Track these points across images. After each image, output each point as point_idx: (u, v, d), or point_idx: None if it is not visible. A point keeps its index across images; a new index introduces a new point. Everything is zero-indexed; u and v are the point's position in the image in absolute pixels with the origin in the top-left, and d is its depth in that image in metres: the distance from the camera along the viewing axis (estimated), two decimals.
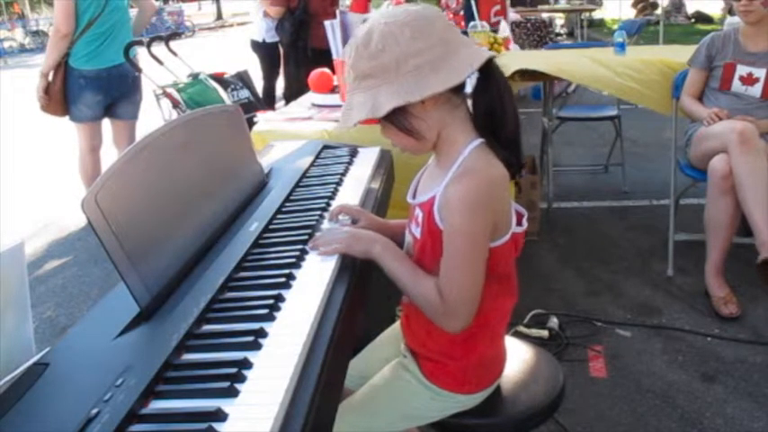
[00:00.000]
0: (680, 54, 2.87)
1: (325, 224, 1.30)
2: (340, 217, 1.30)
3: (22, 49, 21.98)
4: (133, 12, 3.75)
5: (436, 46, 1.01)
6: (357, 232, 1.17)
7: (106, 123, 3.63)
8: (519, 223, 1.13)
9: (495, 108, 1.06)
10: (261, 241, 1.23)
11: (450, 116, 1.07)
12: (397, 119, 1.04)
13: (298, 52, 4.36)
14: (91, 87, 3.34)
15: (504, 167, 1.05)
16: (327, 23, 2.35)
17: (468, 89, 1.08)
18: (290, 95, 4.17)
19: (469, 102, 1.10)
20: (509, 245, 1.10)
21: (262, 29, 5.32)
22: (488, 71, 1.05)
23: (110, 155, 3.70)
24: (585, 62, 2.93)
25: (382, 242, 1.13)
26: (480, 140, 1.06)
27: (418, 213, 1.12)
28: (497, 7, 4.51)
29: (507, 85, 1.07)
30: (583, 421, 1.90)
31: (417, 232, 1.12)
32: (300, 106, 2.60)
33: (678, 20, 12.35)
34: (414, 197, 1.17)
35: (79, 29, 3.24)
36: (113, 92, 3.41)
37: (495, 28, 3.84)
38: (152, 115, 4.58)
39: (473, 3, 3.88)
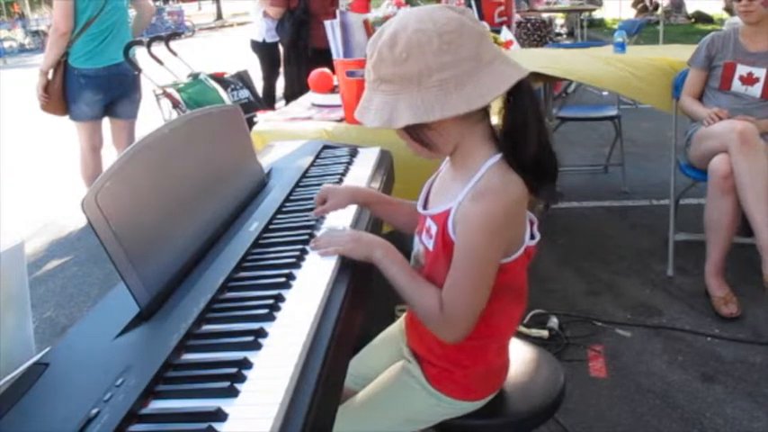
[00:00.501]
0: (680, 53, 2.87)
1: (326, 223, 1.30)
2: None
3: (22, 49, 21.98)
4: (133, 12, 3.76)
5: (465, 61, 0.94)
6: (359, 235, 1.15)
7: (106, 123, 3.63)
8: (531, 233, 1.11)
9: (517, 128, 1.01)
10: (261, 241, 1.23)
11: (470, 131, 1.03)
12: (412, 131, 1.01)
13: (298, 52, 4.36)
14: (90, 86, 3.34)
15: (522, 184, 1.01)
16: (327, 23, 2.34)
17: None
18: (290, 95, 4.16)
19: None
20: (522, 258, 1.08)
21: (262, 29, 5.33)
22: (517, 89, 0.99)
23: (110, 155, 3.70)
24: (587, 60, 2.93)
25: (384, 247, 1.11)
26: (499, 156, 1.02)
27: (431, 225, 1.10)
28: (501, 8, 4.52)
29: (535, 106, 1.01)
30: (583, 421, 1.90)
31: (430, 244, 1.10)
32: (300, 106, 2.60)
33: (678, 20, 12.35)
34: (424, 207, 1.15)
35: (78, 28, 3.24)
36: (113, 91, 3.42)
37: (499, 28, 3.84)
38: (152, 115, 4.58)
39: (473, 3, 3.87)
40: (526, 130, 1.00)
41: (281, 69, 4.98)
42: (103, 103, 3.44)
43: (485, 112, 1.04)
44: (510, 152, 1.02)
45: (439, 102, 0.95)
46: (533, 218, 1.13)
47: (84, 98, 3.37)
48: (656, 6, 12.05)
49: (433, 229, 1.08)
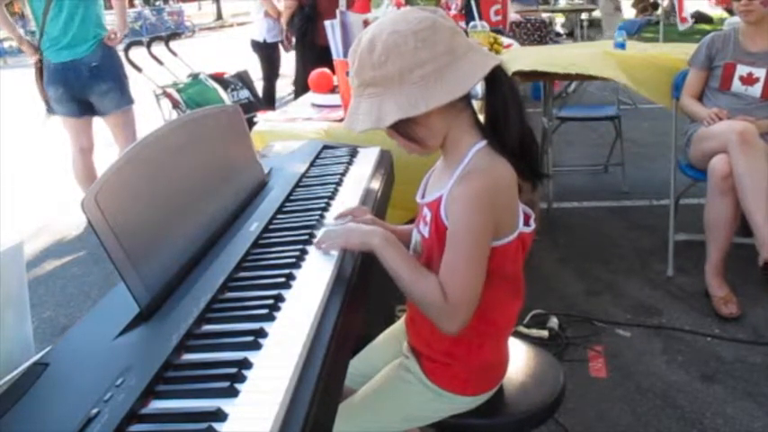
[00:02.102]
0: (681, 50, 2.88)
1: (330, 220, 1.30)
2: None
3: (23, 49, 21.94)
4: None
5: (441, 55, 0.99)
6: (354, 225, 1.17)
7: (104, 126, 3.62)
8: (527, 224, 1.12)
9: (498, 114, 1.06)
10: (261, 241, 1.23)
11: (456, 121, 1.06)
12: (401, 128, 1.03)
13: (306, 49, 4.41)
14: (51, 80, 3.40)
15: (509, 167, 1.05)
16: (327, 23, 2.34)
17: (479, 90, 1.08)
18: (299, 91, 4.24)
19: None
20: (515, 244, 1.09)
21: (262, 29, 5.34)
22: (494, 77, 1.04)
23: (110, 154, 3.69)
24: (587, 54, 2.93)
25: (382, 235, 1.11)
26: (484, 142, 1.06)
27: (426, 213, 1.12)
28: (497, 6, 4.53)
29: (513, 93, 1.06)
30: (583, 421, 1.90)
31: (426, 231, 1.13)
32: (300, 106, 2.60)
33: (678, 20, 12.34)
34: (422, 197, 1.18)
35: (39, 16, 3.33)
36: (71, 87, 3.40)
37: (497, 27, 3.85)
38: (152, 115, 4.58)
39: (473, 3, 3.88)
40: (507, 115, 1.05)
41: (294, 66, 5.03)
42: (68, 100, 3.43)
43: (467, 102, 1.08)
44: (494, 137, 1.06)
45: (422, 95, 0.99)
46: (529, 211, 1.15)
47: (49, 91, 3.42)
48: (656, 6, 12.05)
49: (428, 217, 1.11)
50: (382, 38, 1.00)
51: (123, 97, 3.52)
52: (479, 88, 1.07)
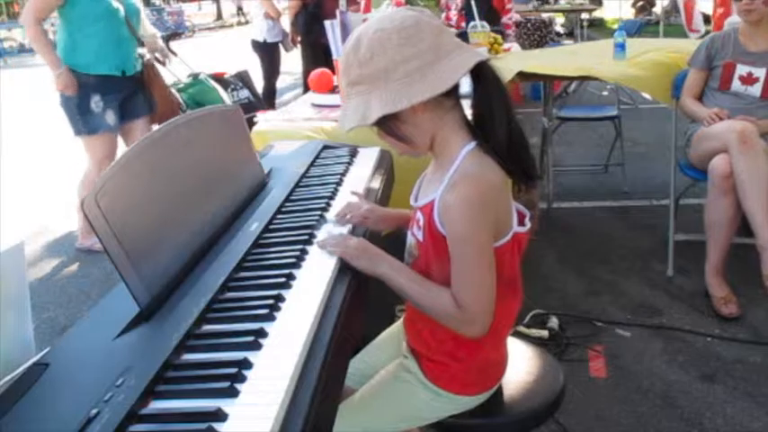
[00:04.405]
0: (681, 45, 2.88)
1: (330, 224, 1.30)
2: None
3: (22, 49, 21.88)
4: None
5: (425, 52, 1.00)
6: (366, 246, 1.14)
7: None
8: (521, 223, 1.12)
9: (484, 113, 1.06)
10: (261, 241, 1.23)
11: (442, 120, 1.06)
12: (387, 125, 1.05)
13: (311, 47, 4.43)
14: None
15: (498, 169, 1.05)
16: (327, 23, 2.35)
17: (467, 89, 1.08)
18: (306, 89, 4.29)
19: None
20: (510, 245, 1.09)
21: (262, 29, 5.34)
22: (480, 75, 1.04)
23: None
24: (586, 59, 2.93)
25: (389, 261, 1.12)
26: (474, 144, 1.06)
27: (420, 217, 1.12)
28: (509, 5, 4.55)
29: (499, 91, 1.05)
30: (583, 421, 1.90)
31: (420, 235, 1.13)
32: (300, 106, 2.60)
33: (678, 20, 12.33)
34: (415, 200, 1.18)
35: None
36: None
37: (493, 27, 3.85)
38: None
39: (473, 3, 3.88)
40: (493, 115, 1.04)
41: (294, 67, 5.07)
42: None
43: (455, 101, 1.08)
44: (483, 138, 1.06)
45: (405, 92, 1.00)
46: (524, 210, 1.15)
47: None
48: (653, 4, 12.06)
49: (422, 221, 1.11)
50: (368, 36, 1.01)
51: (70, 124, 3.26)
52: (467, 85, 1.07)
